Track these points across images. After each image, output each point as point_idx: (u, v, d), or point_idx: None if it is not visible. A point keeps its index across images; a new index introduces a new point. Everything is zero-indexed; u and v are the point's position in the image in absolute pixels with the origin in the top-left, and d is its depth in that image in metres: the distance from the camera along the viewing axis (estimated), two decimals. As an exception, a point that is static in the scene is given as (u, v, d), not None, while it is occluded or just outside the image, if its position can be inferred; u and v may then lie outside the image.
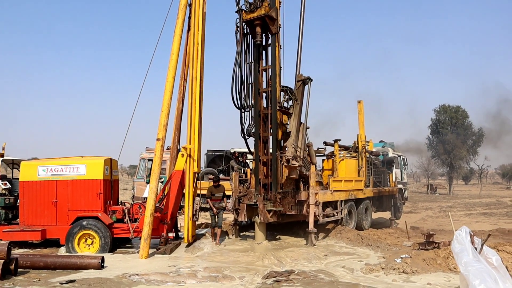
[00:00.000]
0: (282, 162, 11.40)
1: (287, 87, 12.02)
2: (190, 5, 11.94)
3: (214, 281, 7.96)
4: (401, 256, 9.68)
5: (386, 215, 19.12)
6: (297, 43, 12.69)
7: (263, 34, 12.28)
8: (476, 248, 6.00)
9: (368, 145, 16.00)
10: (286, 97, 11.96)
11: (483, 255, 6.03)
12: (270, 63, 12.30)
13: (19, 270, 8.30)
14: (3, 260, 7.75)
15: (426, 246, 10.12)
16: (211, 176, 16.27)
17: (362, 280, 8.18)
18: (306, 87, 12.00)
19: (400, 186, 20.09)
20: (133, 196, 22.29)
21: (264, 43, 12.45)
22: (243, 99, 12.48)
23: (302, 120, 12.05)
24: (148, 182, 21.48)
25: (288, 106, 11.96)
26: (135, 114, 12.20)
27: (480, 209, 28.52)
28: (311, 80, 11.94)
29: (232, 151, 21.22)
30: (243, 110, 12.57)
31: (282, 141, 12.28)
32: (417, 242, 11.02)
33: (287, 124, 12.17)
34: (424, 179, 77.27)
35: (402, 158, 22.62)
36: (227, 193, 18.28)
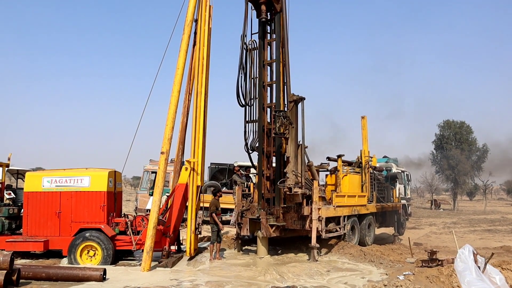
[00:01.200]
0: (284, 190, 11.37)
1: (280, 111, 11.62)
2: (196, 21, 12.11)
3: (215, 296, 7.94)
4: (404, 273, 9.62)
5: (389, 230, 19.04)
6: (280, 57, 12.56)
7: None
8: (479, 267, 5.98)
9: (371, 161, 16.00)
10: (280, 121, 11.39)
11: (486, 274, 6.02)
12: (274, 58, 12.42)
13: (21, 281, 8.32)
14: (5, 271, 7.78)
15: (429, 264, 10.09)
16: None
17: (364, 297, 8.14)
18: (300, 106, 11.81)
19: (403, 201, 20.04)
20: (136, 208, 22.32)
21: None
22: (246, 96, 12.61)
23: (300, 140, 11.83)
24: (151, 194, 21.55)
25: (283, 132, 11.43)
26: (139, 126, 12.29)
27: (484, 226, 28.31)
28: (304, 99, 11.77)
29: (235, 164, 21.27)
30: (247, 106, 12.68)
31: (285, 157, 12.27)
32: (420, 259, 10.96)
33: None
34: (428, 194, 76.88)
35: (406, 174, 22.58)
36: (229, 206, 18.36)
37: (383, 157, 21.75)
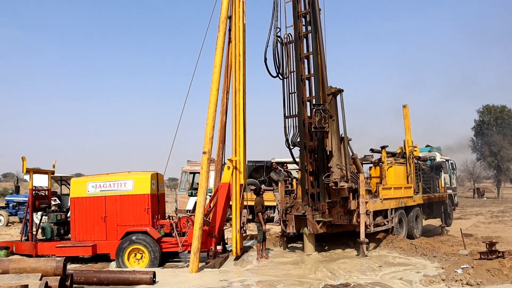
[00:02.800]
0: (330, 185, 11.05)
1: (319, 104, 11.24)
2: (230, 18, 11.94)
3: (268, 296, 7.76)
4: (462, 266, 9.19)
5: (435, 222, 18.41)
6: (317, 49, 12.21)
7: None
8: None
9: (415, 150, 15.46)
10: (319, 115, 10.99)
11: None
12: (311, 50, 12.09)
13: (74, 286, 8.36)
14: (59, 277, 7.82)
15: (488, 255, 9.60)
16: (253, 188, 16.13)
17: (423, 293, 7.78)
18: (338, 98, 11.55)
19: (449, 191, 19.33)
20: (176, 209, 22.44)
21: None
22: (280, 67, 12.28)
23: (343, 133, 11.56)
24: (190, 195, 21.63)
25: (323, 126, 10.99)
26: (172, 126, 12.21)
27: (535, 214, 27.08)
28: (342, 91, 11.49)
29: (273, 161, 21.03)
30: (281, 78, 12.40)
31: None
32: (478, 251, 10.46)
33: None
34: (468, 182, 74.50)
35: (450, 163, 21.79)
36: (270, 204, 18.14)
37: (426, 146, 21.04)
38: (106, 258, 11.45)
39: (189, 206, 21.27)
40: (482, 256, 9.70)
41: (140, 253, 10.73)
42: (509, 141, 50.55)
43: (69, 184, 13.78)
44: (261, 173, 22.38)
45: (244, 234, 12.42)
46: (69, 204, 12.42)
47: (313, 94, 12.05)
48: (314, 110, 11.26)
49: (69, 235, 11.73)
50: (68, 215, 12.27)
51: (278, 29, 12.32)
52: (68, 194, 13.71)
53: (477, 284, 8.03)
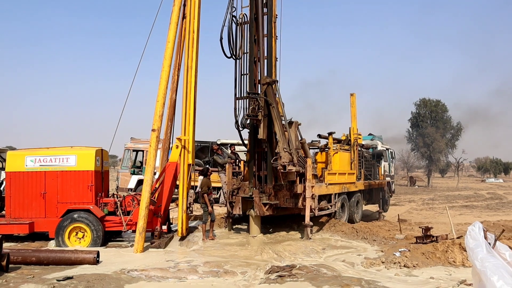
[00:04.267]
0: (278, 168, 11.16)
1: (254, 93, 11.56)
2: (185, -8, 11.58)
3: (216, 277, 7.76)
4: (399, 249, 9.66)
5: (372, 207, 19.22)
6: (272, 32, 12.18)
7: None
8: (489, 244, 5.93)
9: (359, 138, 15.97)
10: (255, 104, 11.28)
11: (496, 250, 5.97)
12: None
13: (10, 266, 7.91)
14: (-6, 256, 7.38)
15: (424, 240, 10.14)
16: (199, 168, 15.94)
17: (364, 274, 8.09)
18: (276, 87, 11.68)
19: (388, 179, 20.22)
20: (117, 187, 21.81)
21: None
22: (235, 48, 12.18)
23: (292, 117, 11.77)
24: (133, 173, 21.09)
25: (256, 114, 11.27)
26: (115, 103, 11.80)
27: (461, 202, 29.06)
28: (277, 81, 11.71)
29: (218, 142, 20.90)
30: (234, 58, 12.27)
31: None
32: (413, 236, 11.03)
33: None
34: (402, 171, 78.44)
35: (390, 151, 22.76)
36: (215, 185, 18.05)
37: (368, 134, 21.83)
38: (44, 237, 10.92)
39: (131, 185, 20.77)
40: (418, 240, 10.23)
41: (82, 232, 10.34)
42: (441, 134, 53.61)
43: (2, 158, 12.92)
44: (205, 154, 22.19)
45: (190, 214, 12.31)
46: (2, 178, 11.70)
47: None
48: (248, 98, 11.50)
49: (3, 212, 11.04)
50: (2, 190, 11.55)
51: (234, 9, 12.14)
52: (2, 168, 12.88)
53: (413, 266, 8.50)
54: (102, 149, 11.42)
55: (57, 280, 7.07)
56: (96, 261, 8.36)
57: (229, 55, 12.17)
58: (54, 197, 10.67)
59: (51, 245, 10.31)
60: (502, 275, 5.39)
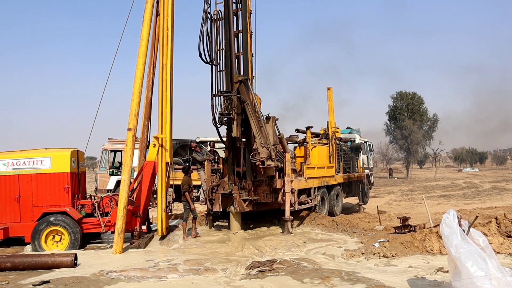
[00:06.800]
0: (257, 164, 11.16)
1: (226, 92, 11.63)
2: (158, -11, 11.44)
3: (196, 274, 7.72)
4: (379, 240, 9.77)
5: (353, 200, 19.41)
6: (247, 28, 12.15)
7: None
8: (464, 230, 6.05)
9: (337, 132, 16.08)
10: (228, 102, 11.49)
11: (470, 237, 6.09)
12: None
13: (-16, 272, 7.72)
14: (-33, 263, 7.18)
15: (402, 230, 10.28)
16: (177, 167, 15.78)
17: (345, 266, 8.17)
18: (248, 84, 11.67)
19: (367, 171, 20.44)
20: (96, 188, 21.48)
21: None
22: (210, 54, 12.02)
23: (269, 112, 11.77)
24: (111, 174, 20.80)
25: (229, 112, 11.45)
26: (91, 103, 11.61)
27: (438, 192, 29.61)
28: (248, 79, 11.72)
29: (197, 140, 20.80)
30: (211, 64, 12.12)
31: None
32: (392, 226, 11.18)
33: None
34: (381, 163, 79.52)
35: (368, 144, 23.01)
36: (195, 183, 17.96)
37: (346, 128, 22.01)
38: (19, 242, 10.69)
39: (110, 186, 20.47)
40: (396, 231, 10.38)
41: (59, 235, 10.16)
42: (418, 126, 54.43)
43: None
44: (185, 151, 22.05)
45: (169, 213, 12.21)
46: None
47: (242, 73, 12.00)
48: (221, 96, 11.56)
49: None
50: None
51: (208, 5, 12.03)
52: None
53: (392, 256, 8.61)
54: (77, 150, 11.23)
55: (33, 285, 6.92)
56: (74, 264, 8.21)
57: (207, 60, 12.04)
58: (29, 201, 10.44)
59: (28, 250, 10.09)
60: (476, 260, 5.51)
